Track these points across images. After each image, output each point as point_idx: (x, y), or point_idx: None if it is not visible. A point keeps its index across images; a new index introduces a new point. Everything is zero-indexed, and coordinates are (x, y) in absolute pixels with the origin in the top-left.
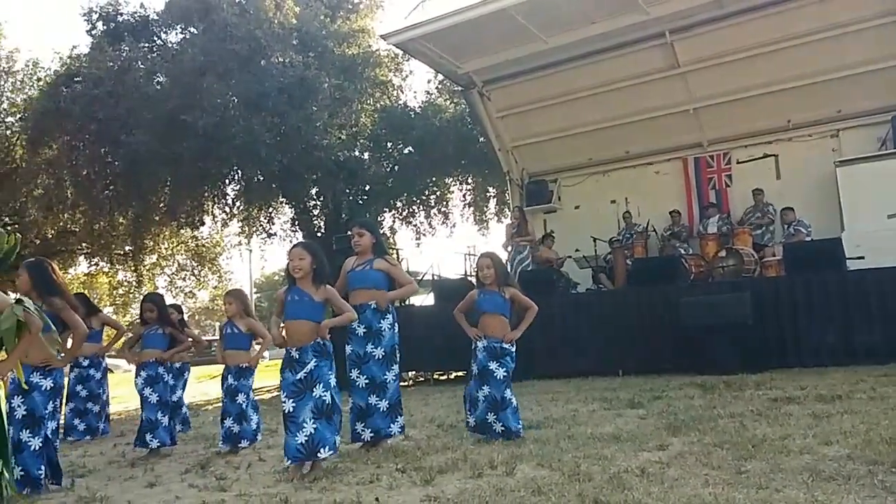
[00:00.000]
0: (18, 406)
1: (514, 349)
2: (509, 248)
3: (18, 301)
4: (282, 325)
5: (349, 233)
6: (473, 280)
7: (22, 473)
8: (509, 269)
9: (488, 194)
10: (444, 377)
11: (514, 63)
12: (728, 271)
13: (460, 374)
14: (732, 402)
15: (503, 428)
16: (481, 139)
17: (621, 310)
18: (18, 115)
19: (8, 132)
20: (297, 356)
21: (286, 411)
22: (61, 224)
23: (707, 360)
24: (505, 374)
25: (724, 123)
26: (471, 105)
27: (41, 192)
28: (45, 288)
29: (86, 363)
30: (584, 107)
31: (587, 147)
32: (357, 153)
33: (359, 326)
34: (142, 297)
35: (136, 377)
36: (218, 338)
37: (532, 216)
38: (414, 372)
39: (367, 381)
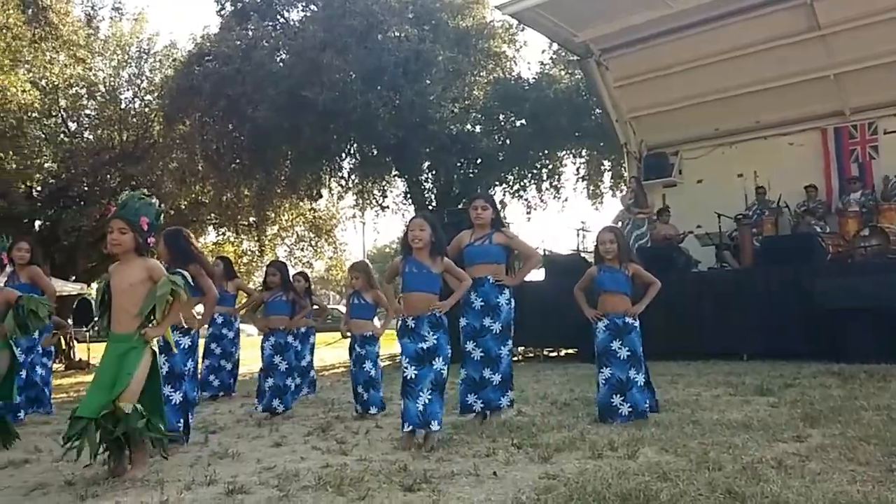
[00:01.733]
0: (162, 364)
1: (637, 325)
2: (626, 223)
3: (174, 272)
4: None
5: (473, 205)
6: (587, 256)
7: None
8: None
9: (603, 168)
10: (554, 354)
11: (635, 30)
12: (871, 251)
13: (570, 351)
14: (877, 394)
15: (630, 409)
16: (597, 110)
17: (748, 290)
18: (156, 94)
19: (147, 109)
20: (413, 325)
21: (408, 377)
22: (193, 196)
23: (844, 347)
24: (629, 353)
25: (870, 90)
26: (587, 75)
27: (175, 166)
28: (181, 255)
29: (220, 320)
30: (711, 74)
31: (712, 117)
32: (469, 126)
33: (476, 300)
34: (267, 264)
35: (263, 343)
36: (336, 306)
37: (650, 190)
38: (523, 347)
39: (482, 354)
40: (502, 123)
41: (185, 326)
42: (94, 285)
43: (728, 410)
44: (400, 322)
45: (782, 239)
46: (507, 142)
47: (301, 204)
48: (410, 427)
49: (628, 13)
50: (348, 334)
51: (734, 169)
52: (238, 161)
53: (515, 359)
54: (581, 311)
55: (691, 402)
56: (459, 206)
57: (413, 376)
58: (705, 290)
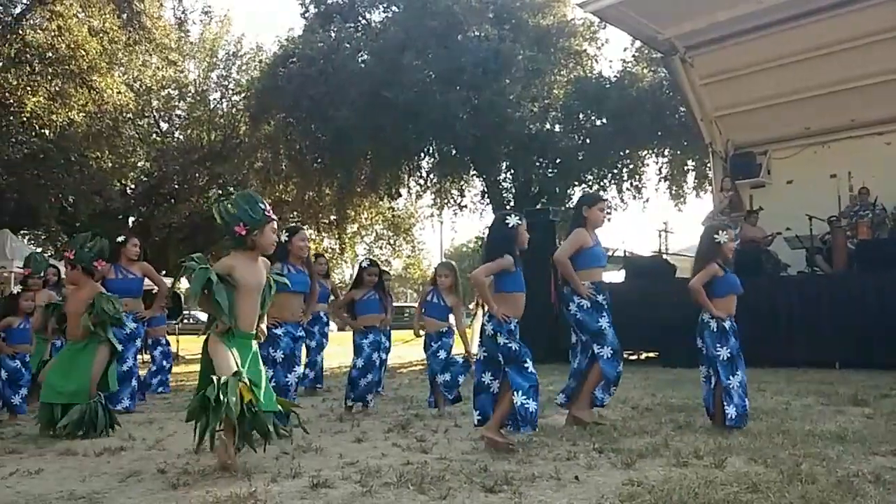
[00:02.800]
0: (272, 352)
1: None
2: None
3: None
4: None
5: (603, 205)
6: (669, 258)
7: None
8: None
9: (686, 168)
10: (634, 357)
11: (722, 26)
12: None
13: (651, 355)
14: None
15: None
16: (681, 109)
17: (841, 296)
18: (243, 95)
19: (233, 110)
20: (514, 328)
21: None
22: (277, 194)
23: None
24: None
25: None
26: (671, 72)
27: (260, 165)
28: (280, 254)
29: (317, 316)
30: (802, 71)
31: (804, 115)
32: (548, 126)
33: (604, 301)
34: (367, 263)
35: (360, 340)
36: (413, 304)
37: (739, 190)
38: None
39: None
40: (582, 122)
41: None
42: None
43: (820, 421)
44: (510, 325)
45: (880, 243)
46: (587, 141)
47: (380, 202)
48: (520, 429)
49: (715, 9)
50: (422, 333)
51: (827, 169)
52: (320, 160)
53: None
54: (707, 307)
55: (780, 411)
56: (537, 206)
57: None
58: (795, 294)
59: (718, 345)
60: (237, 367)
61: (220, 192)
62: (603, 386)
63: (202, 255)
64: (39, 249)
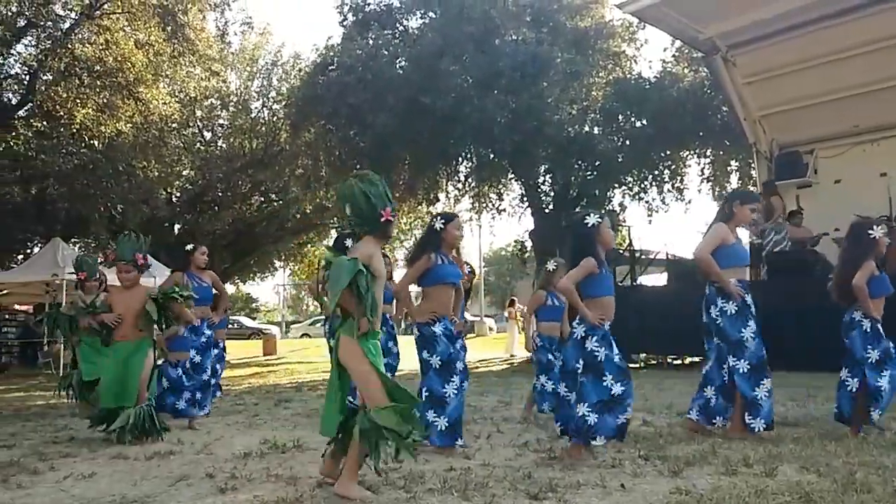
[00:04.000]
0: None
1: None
2: (768, 228)
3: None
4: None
5: (756, 204)
6: None
7: (447, 424)
8: (766, 250)
9: (729, 168)
10: (679, 362)
11: (765, 24)
12: None
13: (696, 359)
14: None
15: None
16: (723, 108)
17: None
18: (283, 103)
19: (274, 118)
20: (607, 333)
21: (616, 393)
22: (317, 200)
23: None
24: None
25: None
26: (713, 72)
27: (301, 172)
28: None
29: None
30: (850, 68)
31: (852, 113)
32: (588, 128)
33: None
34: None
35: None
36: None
37: (783, 191)
38: (645, 354)
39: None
40: (622, 124)
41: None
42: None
43: (874, 428)
44: (603, 331)
45: None
46: (627, 143)
47: (419, 207)
48: (606, 442)
49: (757, 7)
50: (539, 343)
51: (876, 168)
52: (359, 166)
53: (636, 366)
54: (866, 305)
55: (832, 418)
56: (577, 209)
57: (620, 392)
58: None
59: (869, 346)
60: (382, 377)
61: (263, 199)
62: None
63: (330, 245)
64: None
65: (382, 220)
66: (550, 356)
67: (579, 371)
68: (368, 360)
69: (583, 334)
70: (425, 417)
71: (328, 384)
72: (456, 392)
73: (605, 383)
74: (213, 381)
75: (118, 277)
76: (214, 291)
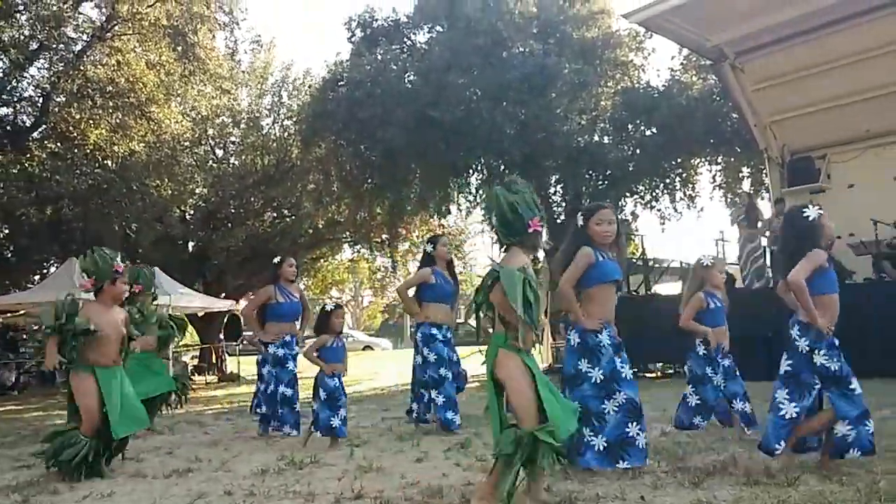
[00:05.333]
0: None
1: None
2: (739, 237)
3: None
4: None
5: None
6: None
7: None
8: (743, 260)
9: (741, 175)
10: None
11: (774, 29)
12: None
13: None
14: None
15: None
16: (734, 115)
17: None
18: (294, 119)
19: (285, 134)
20: (835, 342)
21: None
22: (329, 215)
23: None
24: None
25: None
26: (722, 79)
27: (313, 187)
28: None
29: None
30: (859, 72)
31: (864, 117)
32: (597, 138)
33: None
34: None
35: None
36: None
37: (796, 197)
38: (661, 364)
39: None
40: (632, 133)
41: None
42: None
43: None
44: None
45: None
46: (638, 152)
47: (431, 220)
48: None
49: (764, 14)
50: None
51: (890, 172)
52: (370, 181)
53: (653, 375)
54: None
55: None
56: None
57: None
58: (862, 303)
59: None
60: (544, 395)
61: (275, 215)
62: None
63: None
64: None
65: (530, 230)
66: (710, 369)
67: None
68: (530, 376)
69: (806, 349)
70: (582, 436)
71: (488, 402)
72: (616, 409)
73: (856, 392)
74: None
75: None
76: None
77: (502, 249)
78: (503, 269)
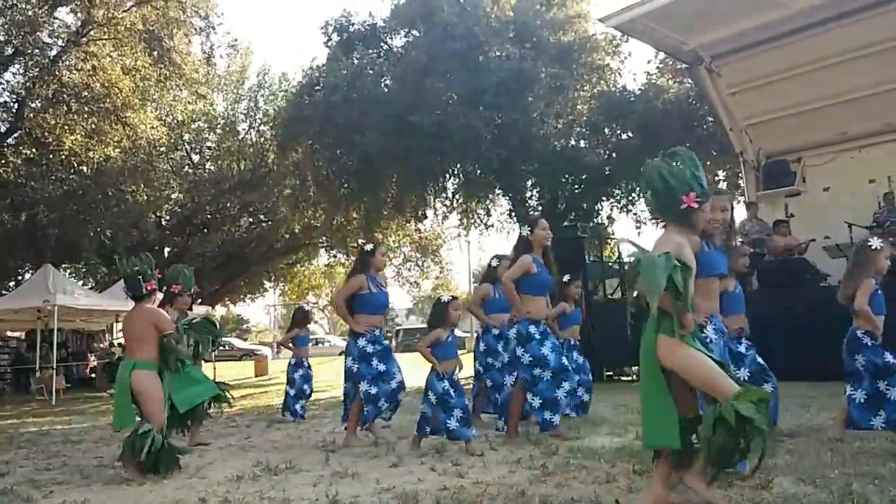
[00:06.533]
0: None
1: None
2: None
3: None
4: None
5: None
6: None
7: None
8: None
9: (717, 178)
10: None
11: (749, 33)
12: None
13: None
14: None
15: None
16: (709, 119)
17: (888, 306)
18: (270, 124)
19: (262, 139)
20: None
21: None
22: (306, 220)
23: None
24: None
25: None
26: (697, 83)
27: (289, 192)
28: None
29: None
30: (833, 76)
31: (838, 120)
32: (574, 141)
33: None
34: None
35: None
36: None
37: (772, 201)
38: (638, 367)
39: None
40: (608, 137)
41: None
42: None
43: (870, 437)
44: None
45: None
46: (614, 155)
47: (407, 225)
48: None
49: (740, 17)
50: None
51: (865, 174)
52: (347, 185)
53: (631, 379)
54: None
55: (827, 428)
56: (565, 224)
57: None
58: (837, 305)
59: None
60: (723, 373)
61: (252, 220)
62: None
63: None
64: (80, 283)
65: (682, 206)
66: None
67: None
68: (699, 352)
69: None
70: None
71: (644, 396)
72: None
73: None
74: (302, 403)
75: (180, 304)
76: None
77: (660, 227)
78: (643, 255)
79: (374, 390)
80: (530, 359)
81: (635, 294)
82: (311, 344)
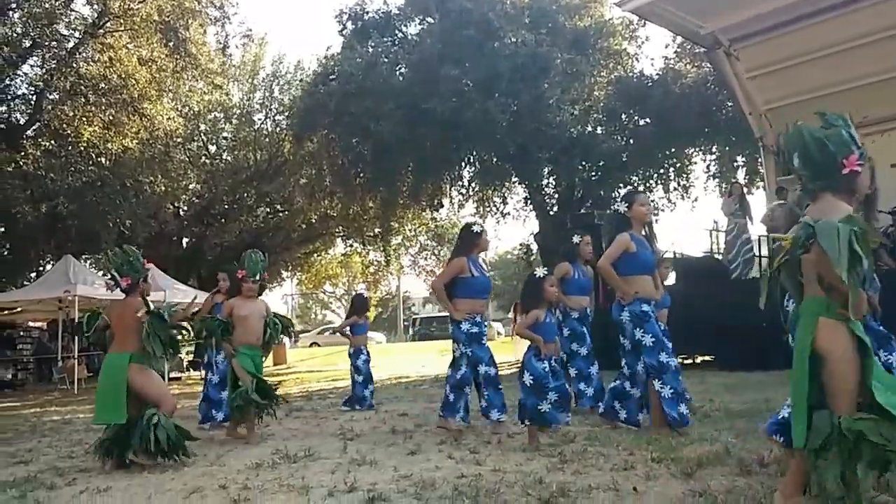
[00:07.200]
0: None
1: None
2: (732, 230)
3: None
4: None
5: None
6: (720, 257)
7: None
8: (734, 252)
9: (736, 164)
10: (689, 361)
11: (769, 16)
12: None
13: (707, 358)
14: None
15: None
16: (729, 104)
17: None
18: (286, 114)
19: (277, 129)
20: None
21: None
22: (322, 210)
23: None
24: None
25: None
26: (716, 67)
27: (305, 182)
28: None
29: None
30: (855, 59)
31: (859, 104)
32: (590, 128)
33: None
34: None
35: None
36: None
37: (792, 186)
38: None
39: None
40: (625, 123)
41: None
42: None
43: None
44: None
45: None
46: (631, 142)
47: (423, 213)
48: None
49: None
50: None
51: (886, 159)
52: (362, 174)
53: None
54: None
55: None
56: (581, 211)
57: None
58: None
59: None
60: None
61: (268, 210)
62: None
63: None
64: (101, 273)
65: (845, 171)
66: None
67: None
68: (860, 355)
69: None
70: None
71: (795, 381)
72: None
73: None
74: (371, 389)
75: (246, 290)
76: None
77: (809, 199)
78: (819, 223)
79: (492, 371)
80: (652, 340)
81: (776, 268)
82: (366, 333)
